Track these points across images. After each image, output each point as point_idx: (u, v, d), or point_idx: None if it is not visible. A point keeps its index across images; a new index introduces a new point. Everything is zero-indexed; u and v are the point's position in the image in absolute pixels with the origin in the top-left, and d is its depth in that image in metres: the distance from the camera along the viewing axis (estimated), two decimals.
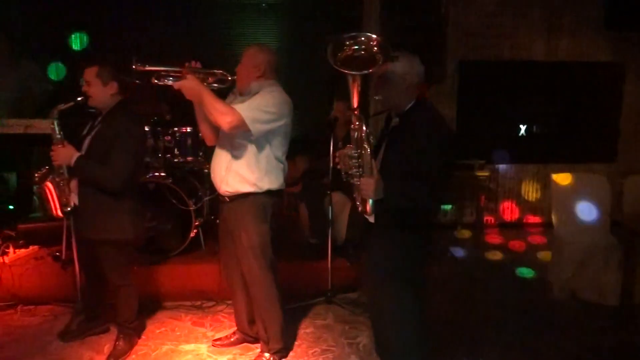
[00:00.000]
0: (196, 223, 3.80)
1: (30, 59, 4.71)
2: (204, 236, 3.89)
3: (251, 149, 2.62)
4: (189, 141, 4.00)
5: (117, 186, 2.68)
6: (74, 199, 2.79)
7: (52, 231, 3.72)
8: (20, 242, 3.96)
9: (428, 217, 2.27)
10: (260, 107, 2.53)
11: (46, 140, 2.83)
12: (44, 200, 2.86)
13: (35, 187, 3.19)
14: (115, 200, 2.73)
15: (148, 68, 2.52)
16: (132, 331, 3.05)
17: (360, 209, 2.14)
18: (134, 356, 2.97)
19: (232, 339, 3.08)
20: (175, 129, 3.99)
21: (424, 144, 2.06)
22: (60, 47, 5.19)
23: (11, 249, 3.83)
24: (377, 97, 2.24)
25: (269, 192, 2.70)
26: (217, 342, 3.09)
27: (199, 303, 3.63)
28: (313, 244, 3.98)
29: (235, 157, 2.64)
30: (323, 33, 5.58)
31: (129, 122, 2.78)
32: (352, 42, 1.95)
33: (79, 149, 2.78)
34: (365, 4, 5.37)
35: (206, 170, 4.12)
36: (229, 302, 3.52)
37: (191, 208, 3.74)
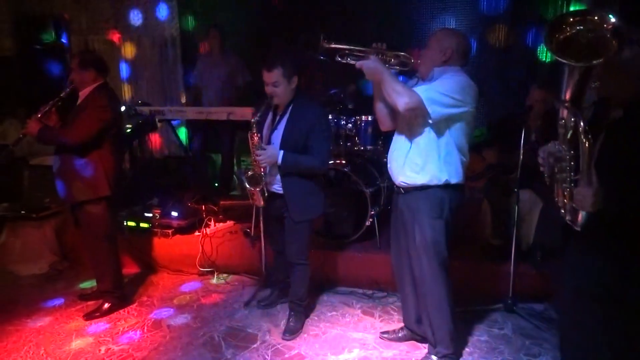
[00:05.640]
0: (372, 212, 3.80)
1: (235, 53, 5.22)
2: (379, 226, 3.87)
3: (430, 134, 2.48)
4: (370, 130, 4.00)
5: (324, 170, 2.97)
6: (273, 188, 2.95)
7: (246, 209, 4.09)
8: (220, 216, 4.46)
9: None
10: (440, 90, 2.39)
11: (245, 127, 3.11)
12: (249, 196, 3.03)
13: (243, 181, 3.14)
14: (315, 183, 2.98)
15: (334, 46, 2.57)
16: (303, 309, 3.20)
17: (567, 218, 1.81)
18: (305, 335, 3.12)
19: (399, 334, 3.01)
20: (357, 117, 4.03)
21: None
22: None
23: (212, 222, 4.33)
24: (594, 85, 1.80)
25: (447, 186, 2.53)
26: (385, 335, 3.05)
27: (370, 292, 3.64)
28: (494, 245, 3.65)
29: (414, 144, 2.53)
30: (518, 12, 5.06)
31: (319, 110, 2.97)
32: (576, 20, 1.59)
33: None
34: None
35: (384, 160, 4.07)
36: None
37: (367, 196, 3.74)
